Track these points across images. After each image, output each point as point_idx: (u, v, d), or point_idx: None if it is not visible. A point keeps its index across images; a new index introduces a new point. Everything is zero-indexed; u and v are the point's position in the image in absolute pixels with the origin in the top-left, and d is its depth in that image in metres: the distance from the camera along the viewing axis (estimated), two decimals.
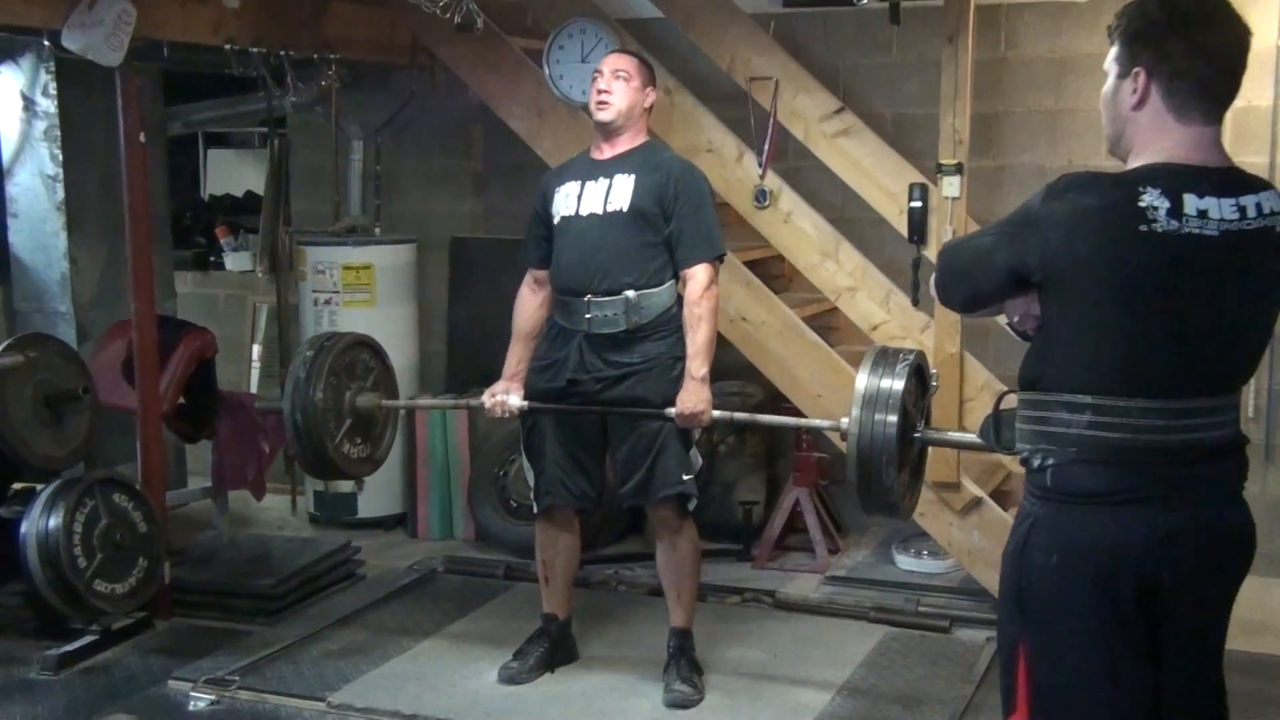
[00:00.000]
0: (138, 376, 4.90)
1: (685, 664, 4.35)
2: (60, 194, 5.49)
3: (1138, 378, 2.30)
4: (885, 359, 3.49)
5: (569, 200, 4.27)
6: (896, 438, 3.39)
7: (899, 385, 3.40)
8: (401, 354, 6.14)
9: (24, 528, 4.44)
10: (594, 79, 4.29)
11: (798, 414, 5.43)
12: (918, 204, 4.95)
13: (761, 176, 5.20)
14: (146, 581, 4.72)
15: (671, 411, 4.11)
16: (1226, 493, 2.42)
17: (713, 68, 5.53)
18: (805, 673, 4.52)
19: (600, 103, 4.24)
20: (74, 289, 5.59)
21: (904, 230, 5.02)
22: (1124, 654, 2.36)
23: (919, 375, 3.57)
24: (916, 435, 3.52)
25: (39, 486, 4.61)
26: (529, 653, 4.49)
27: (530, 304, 4.43)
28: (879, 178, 5.17)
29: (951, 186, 4.76)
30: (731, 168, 5.24)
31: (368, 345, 4.62)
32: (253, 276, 7.11)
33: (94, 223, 5.60)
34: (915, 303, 5.08)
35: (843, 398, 5.00)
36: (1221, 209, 2.26)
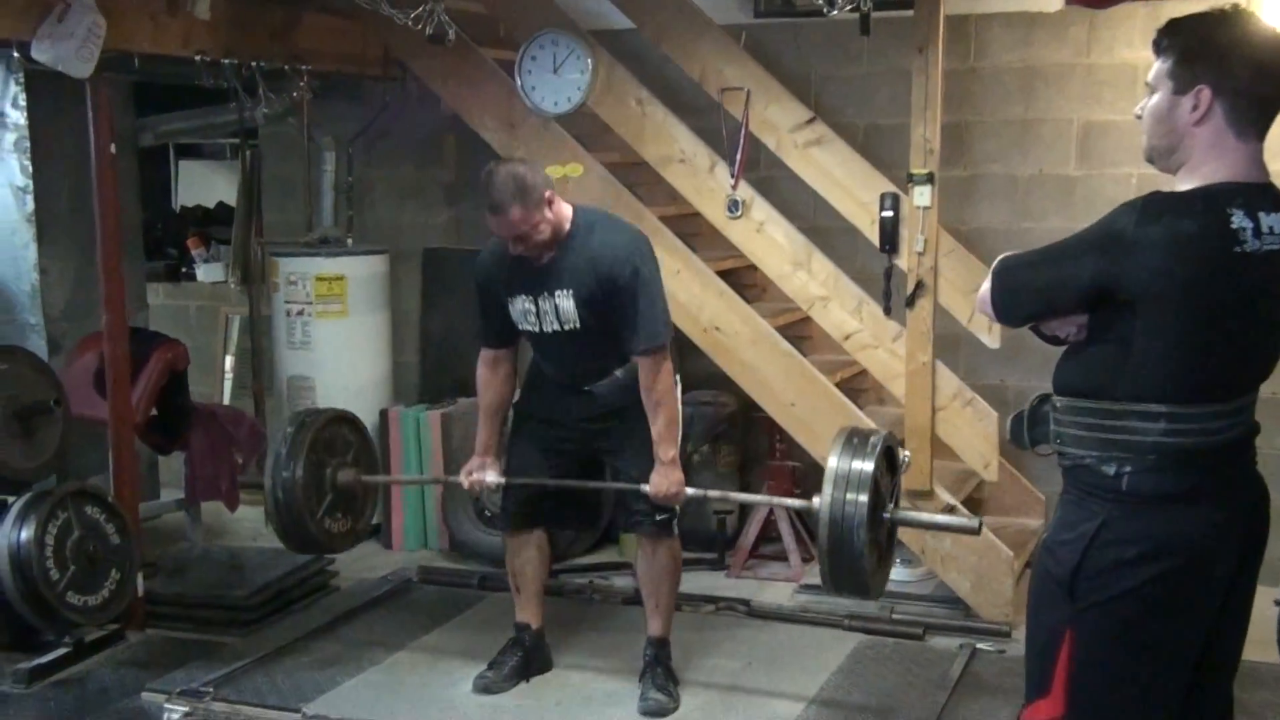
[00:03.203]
0: (109, 388, 4.88)
1: (661, 673, 4.36)
2: (30, 205, 5.46)
3: (1212, 386, 2.43)
4: (856, 440, 3.56)
5: (527, 316, 4.21)
6: (867, 517, 3.45)
7: (869, 466, 3.47)
8: (374, 365, 6.16)
9: None
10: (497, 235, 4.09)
11: (771, 423, 5.48)
12: (889, 213, 4.98)
13: (734, 186, 5.22)
14: (119, 594, 4.69)
15: (647, 488, 4.16)
16: (1255, 474, 2.61)
17: (684, 78, 5.55)
18: (779, 681, 4.53)
19: (525, 253, 4.07)
20: (44, 301, 5.56)
21: (875, 240, 5.05)
22: (1187, 645, 2.50)
23: (889, 457, 3.63)
24: (886, 515, 3.60)
25: (10, 499, 4.58)
26: (503, 662, 4.49)
27: (493, 382, 4.39)
28: (850, 187, 5.20)
29: (923, 196, 4.80)
30: (704, 178, 5.27)
31: (347, 420, 4.72)
32: (225, 288, 7.10)
33: (64, 234, 5.57)
34: (887, 311, 5.11)
35: (815, 405, 5.09)
36: (1278, 224, 2.39)
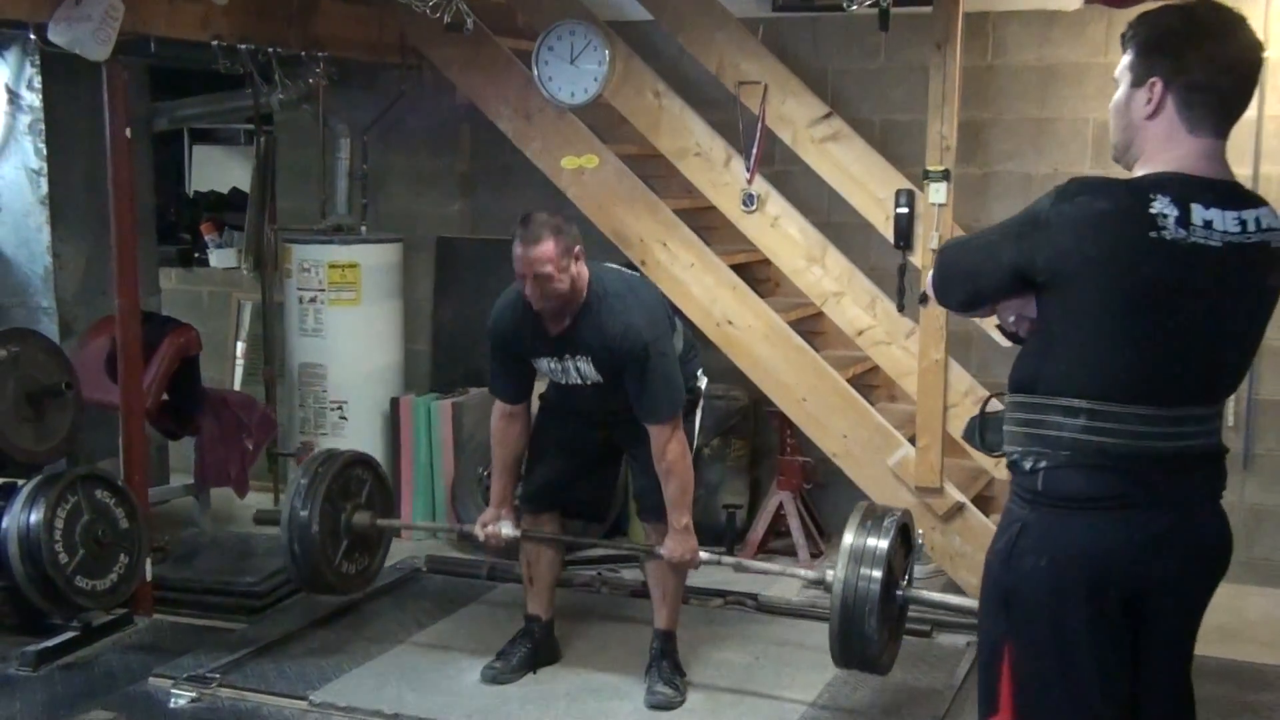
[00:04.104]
0: (121, 372, 4.88)
1: (668, 666, 4.36)
2: (44, 188, 5.47)
3: (1136, 384, 2.31)
4: (872, 517, 3.56)
5: (553, 372, 4.23)
6: (880, 595, 3.45)
7: (884, 544, 3.47)
8: (386, 353, 6.16)
9: (5, 523, 4.42)
10: (521, 277, 4.02)
11: (782, 418, 5.47)
12: (904, 210, 4.97)
13: (749, 181, 5.21)
14: (128, 578, 4.70)
15: (661, 552, 4.19)
16: (1208, 500, 2.45)
17: (701, 71, 5.53)
18: (786, 676, 4.52)
19: (539, 304, 4.04)
20: (57, 284, 5.57)
21: (890, 236, 5.03)
22: (1110, 657, 2.39)
23: (904, 535, 3.62)
24: (898, 594, 3.59)
25: (20, 481, 4.59)
26: (511, 653, 4.49)
27: (510, 435, 4.38)
28: (866, 183, 5.18)
29: (938, 193, 4.78)
30: (719, 172, 5.25)
31: (361, 462, 4.76)
32: (237, 273, 7.10)
33: (78, 217, 5.58)
34: (901, 308, 5.10)
35: (827, 401, 5.07)
36: (1225, 221, 2.27)
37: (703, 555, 4.23)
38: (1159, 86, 2.32)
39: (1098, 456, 2.32)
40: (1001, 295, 2.45)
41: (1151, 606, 2.39)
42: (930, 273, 2.58)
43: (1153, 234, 2.23)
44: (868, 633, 3.55)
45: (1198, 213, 2.25)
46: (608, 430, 4.37)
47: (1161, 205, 2.24)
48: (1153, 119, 2.34)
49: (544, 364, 4.23)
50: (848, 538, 3.54)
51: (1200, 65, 2.30)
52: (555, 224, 4.00)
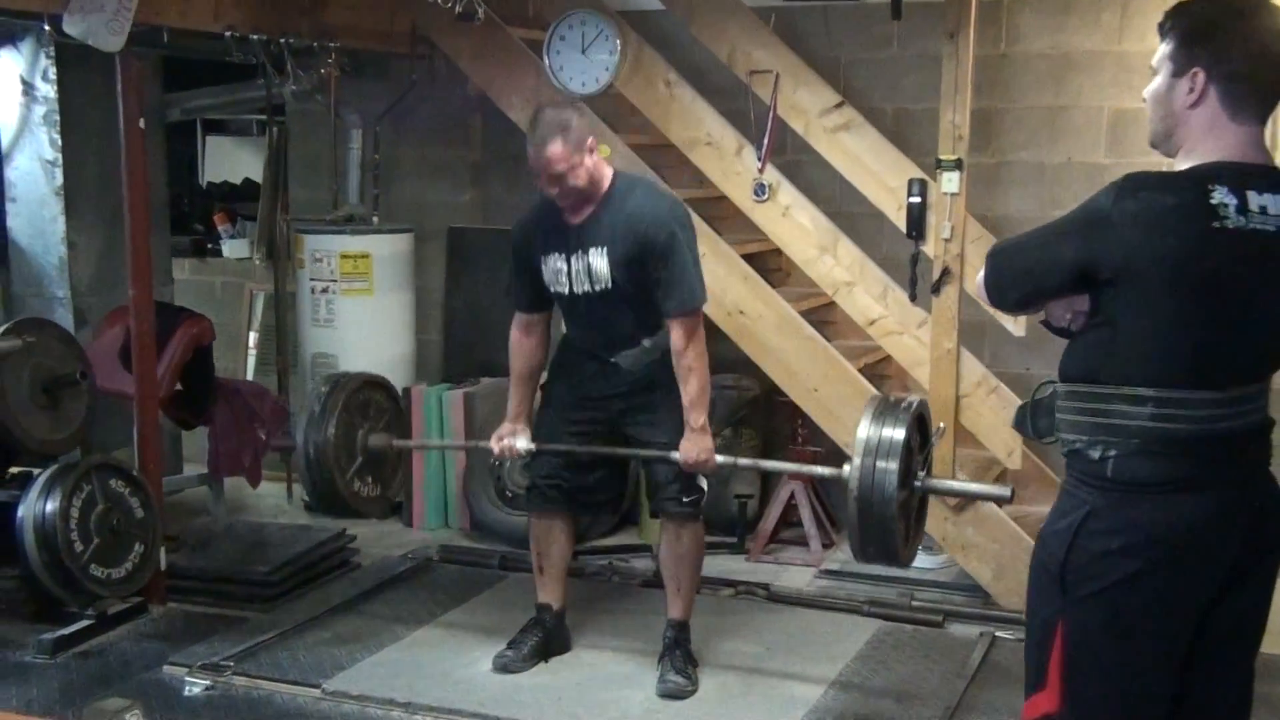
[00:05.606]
0: (135, 362, 4.90)
1: (680, 655, 4.36)
2: (59, 179, 5.49)
3: (1198, 370, 2.37)
4: (888, 408, 3.53)
5: (558, 277, 4.21)
6: (898, 485, 3.41)
7: (900, 434, 3.44)
8: (398, 343, 6.18)
9: (21, 511, 4.46)
10: (537, 178, 4.09)
11: (794, 408, 5.47)
12: (917, 199, 4.96)
13: (760, 170, 5.21)
14: (142, 567, 4.73)
15: (676, 456, 4.14)
16: (1261, 470, 2.52)
17: (713, 60, 5.53)
18: (798, 666, 4.52)
19: (560, 200, 4.10)
20: (72, 274, 5.59)
21: (902, 225, 5.02)
22: (1175, 636, 2.45)
23: (920, 425, 3.58)
24: (917, 484, 3.56)
25: (36, 470, 4.62)
26: (523, 642, 4.50)
27: (525, 347, 4.39)
28: (878, 173, 5.17)
29: (951, 182, 4.77)
30: (730, 161, 5.25)
31: (381, 385, 4.73)
32: (250, 264, 7.12)
33: (92, 208, 5.59)
34: (913, 298, 5.09)
35: (838, 391, 5.07)
36: (1277, 205, 2.34)
37: (718, 459, 4.16)
38: (1201, 77, 2.37)
39: (1167, 443, 2.38)
40: (1062, 292, 2.49)
41: (1224, 583, 2.45)
42: (980, 274, 2.60)
43: (1215, 224, 2.29)
44: (887, 525, 3.46)
45: (1253, 199, 2.32)
46: (612, 420, 4.34)
47: (1221, 195, 2.30)
48: (1195, 108, 2.39)
49: (554, 264, 4.19)
50: (862, 430, 3.46)
51: (1241, 55, 2.35)
52: (563, 121, 4.02)
